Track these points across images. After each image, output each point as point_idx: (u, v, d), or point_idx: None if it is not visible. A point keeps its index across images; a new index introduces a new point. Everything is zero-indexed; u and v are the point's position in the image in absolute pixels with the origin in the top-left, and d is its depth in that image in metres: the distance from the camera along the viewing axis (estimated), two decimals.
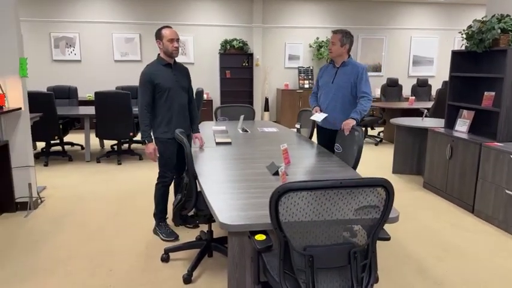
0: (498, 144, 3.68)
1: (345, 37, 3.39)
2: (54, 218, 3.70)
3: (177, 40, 3.10)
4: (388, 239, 1.75)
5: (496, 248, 3.21)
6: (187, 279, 2.62)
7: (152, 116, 3.14)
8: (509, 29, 3.79)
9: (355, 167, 2.86)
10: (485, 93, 4.08)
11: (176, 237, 3.24)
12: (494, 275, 2.80)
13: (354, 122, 3.20)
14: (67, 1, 8.42)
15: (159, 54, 3.16)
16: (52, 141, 5.94)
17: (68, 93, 6.88)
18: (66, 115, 5.82)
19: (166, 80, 3.10)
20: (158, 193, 3.28)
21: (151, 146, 3.11)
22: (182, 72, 3.27)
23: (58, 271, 2.77)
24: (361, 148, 2.94)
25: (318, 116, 3.46)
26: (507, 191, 3.45)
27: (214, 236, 2.97)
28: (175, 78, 3.16)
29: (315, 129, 3.80)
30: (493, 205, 3.64)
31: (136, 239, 3.27)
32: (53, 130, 5.50)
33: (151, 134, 3.17)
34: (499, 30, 3.77)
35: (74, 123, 6.28)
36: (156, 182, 3.28)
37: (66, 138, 6.46)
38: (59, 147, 6.27)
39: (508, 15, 3.89)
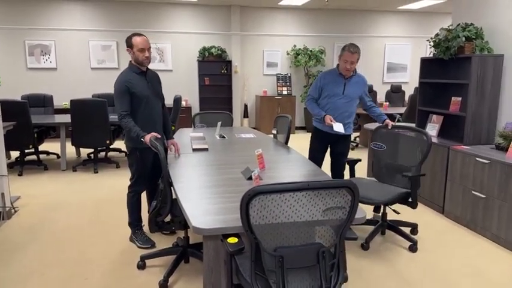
0: (465, 147, 3.84)
1: (359, 54, 3.54)
2: (28, 228, 3.65)
3: (149, 49, 3.04)
4: (356, 238, 1.83)
5: (465, 247, 3.34)
6: (163, 285, 2.63)
7: None
8: (473, 37, 3.98)
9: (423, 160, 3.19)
10: (453, 98, 4.25)
11: (152, 245, 3.24)
12: (463, 272, 2.92)
13: None
14: (42, 9, 8.32)
15: (130, 61, 3.12)
16: (27, 150, 5.83)
17: (43, 102, 6.77)
18: (41, 123, 5.73)
19: (142, 88, 3.07)
20: (131, 202, 3.26)
21: (149, 137, 2.87)
22: (155, 79, 3.26)
23: (32, 281, 2.73)
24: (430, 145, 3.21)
25: (340, 127, 3.52)
26: (474, 192, 3.60)
27: (191, 242, 2.99)
28: (149, 86, 3.15)
29: (312, 132, 3.90)
30: (461, 206, 3.79)
31: (112, 247, 3.26)
32: (28, 139, 5.41)
33: (129, 144, 3.13)
34: (464, 38, 3.96)
35: (50, 131, 6.18)
36: (128, 191, 3.26)
37: (41, 147, 6.35)
38: (34, 157, 6.15)
39: (472, 24, 4.08)
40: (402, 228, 3.43)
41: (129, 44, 3.04)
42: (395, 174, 3.46)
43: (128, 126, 2.98)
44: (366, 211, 3.69)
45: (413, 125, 5.16)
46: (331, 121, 3.50)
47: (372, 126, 5.49)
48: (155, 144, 2.57)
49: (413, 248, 3.24)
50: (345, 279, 1.77)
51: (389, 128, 3.55)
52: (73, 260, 3.04)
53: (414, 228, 3.58)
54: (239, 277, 1.82)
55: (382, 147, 3.54)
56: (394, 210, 3.67)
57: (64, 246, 3.28)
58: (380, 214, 3.49)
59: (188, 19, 9.03)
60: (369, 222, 3.49)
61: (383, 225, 3.45)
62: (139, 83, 3.07)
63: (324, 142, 3.78)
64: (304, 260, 1.68)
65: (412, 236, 3.39)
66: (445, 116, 4.41)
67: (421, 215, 4.05)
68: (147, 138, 2.87)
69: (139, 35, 3.05)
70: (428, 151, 3.20)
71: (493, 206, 3.41)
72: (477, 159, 3.55)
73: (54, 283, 2.71)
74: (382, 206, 3.52)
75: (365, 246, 3.18)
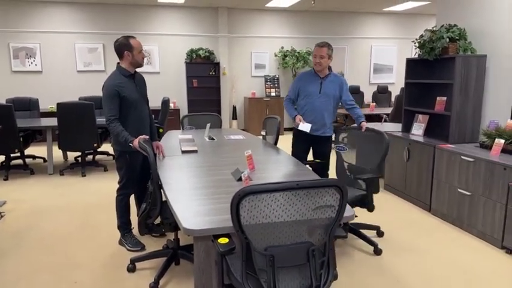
0: (450, 146, 3.91)
1: (330, 49, 3.59)
2: (15, 233, 3.59)
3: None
4: (345, 236, 1.86)
5: (452, 244, 3.40)
6: (154, 287, 2.62)
7: None
8: (457, 38, 4.07)
9: (382, 160, 3.08)
10: (438, 98, 4.33)
11: (142, 247, 3.22)
12: (450, 269, 2.97)
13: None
14: (27, 11, 8.21)
15: (118, 63, 3.10)
16: (12, 155, 5.74)
17: (28, 105, 6.68)
18: (27, 127, 5.66)
19: (131, 92, 3.07)
20: (120, 205, 3.24)
21: (137, 141, 2.85)
22: (142, 82, 3.26)
23: (21, 286, 2.70)
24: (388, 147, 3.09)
25: (307, 127, 3.56)
26: (459, 190, 3.68)
27: (181, 244, 2.99)
28: (138, 89, 3.15)
29: (293, 135, 3.91)
30: (447, 203, 3.86)
31: (102, 251, 3.23)
32: (13, 143, 5.33)
33: (117, 147, 3.11)
34: (448, 39, 4.04)
35: (36, 135, 6.10)
36: (116, 194, 3.24)
37: (27, 151, 6.25)
38: (20, 161, 6.06)
39: (455, 25, 4.17)
40: (364, 231, 3.37)
41: (129, 47, 3.01)
42: (355, 176, 3.35)
43: (116, 131, 2.96)
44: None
45: (399, 125, 5.24)
46: (299, 121, 3.57)
47: None
48: (144, 147, 2.57)
49: (377, 251, 3.17)
50: (335, 277, 1.80)
51: (363, 130, 3.46)
52: (62, 264, 3.01)
53: (378, 230, 3.53)
54: (230, 277, 1.83)
55: (344, 149, 3.46)
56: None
57: (52, 250, 3.25)
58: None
59: (175, 21, 9.01)
60: None
61: (345, 229, 3.26)
62: (129, 87, 3.07)
63: (305, 144, 3.80)
64: (294, 258, 1.70)
65: (373, 240, 3.25)
66: (431, 115, 4.49)
67: (408, 213, 4.11)
68: (136, 142, 2.87)
69: (133, 37, 3.07)
70: (386, 153, 3.06)
71: (478, 203, 3.48)
72: (462, 157, 3.62)
73: (43, 287, 2.68)
74: None
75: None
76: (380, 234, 3.51)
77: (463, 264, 3.03)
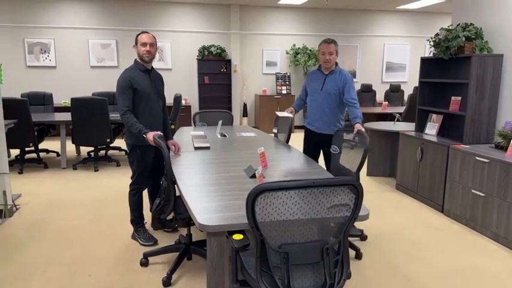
0: (464, 146, 3.87)
1: (337, 46, 3.57)
2: (30, 226, 3.66)
3: (151, 44, 3.09)
4: (359, 235, 1.85)
5: (464, 245, 3.37)
6: (167, 282, 2.65)
7: None
8: (473, 37, 4.01)
9: (360, 167, 2.84)
10: (452, 97, 4.28)
11: (155, 242, 3.26)
12: (463, 271, 2.95)
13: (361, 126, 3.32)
14: (41, 7, 8.31)
15: (136, 59, 3.17)
16: (27, 149, 5.83)
17: (43, 100, 6.77)
18: (41, 122, 5.73)
19: (145, 86, 3.11)
20: (133, 199, 3.27)
21: (151, 134, 2.86)
22: (158, 79, 3.31)
23: (36, 278, 2.75)
24: (367, 150, 2.88)
25: (282, 113, 3.68)
26: (473, 191, 3.64)
27: (193, 240, 3.01)
28: (152, 84, 3.19)
29: (304, 133, 3.91)
30: (460, 204, 3.82)
31: (115, 245, 3.27)
32: (28, 137, 5.41)
33: (129, 141, 3.15)
34: (464, 38, 3.98)
35: (50, 130, 6.19)
36: (129, 189, 3.28)
37: (41, 145, 6.36)
38: (34, 155, 6.15)
39: (471, 24, 4.11)
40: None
41: (135, 41, 3.12)
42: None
43: (130, 122, 2.99)
44: None
45: (412, 124, 5.19)
46: (285, 111, 3.67)
47: (373, 125, 5.52)
48: (159, 143, 2.58)
49: (358, 255, 3.07)
50: (349, 276, 1.79)
51: (354, 133, 3.19)
52: (75, 257, 3.06)
53: (361, 235, 3.31)
54: (244, 273, 1.84)
55: (337, 150, 3.33)
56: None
57: (66, 243, 3.30)
58: None
59: (188, 18, 9.04)
60: None
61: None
62: (143, 80, 3.11)
63: (312, 142, 3.79)
64: (308, 256, 1.70)
65: (354, 244, 3.14)
66: (445, 115, 4.44)
67: (421, 214, 4.08)
68: (150, 136, 2.88)
69: (145, 32, 3.14)
70: (365, 157, 2.84)
71: (492, 205, 3.44)
72: (477, 158, 3.58)
73: (58, 280, 2.72)
74: None
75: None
76: (363, 238, 3.30)
77: (476, 266, 3.00)
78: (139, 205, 3.31)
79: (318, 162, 3.71)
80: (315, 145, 3.79)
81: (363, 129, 3.20)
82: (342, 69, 3.65)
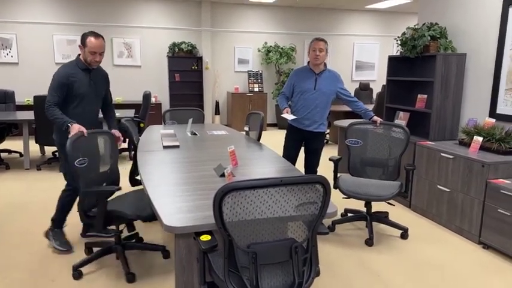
0: (430, 143, 3.97)
1: (327, 44, 3.59)
2: None
3: (101, 53, 2.95)
4: (327, 233, 1.85)
5: (430, 240, 3.46)
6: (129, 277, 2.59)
7: None
8: (438, 36, 4.12)
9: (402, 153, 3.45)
10: (419, 95, 4.39)
11: (69, 249, 3.08)
12: (427, 264, 3.02)
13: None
14: (2, 1, 7.93)
15: (79, 55, 3.00)
16: None
17: (4, 98, 6.46)
18: (2, 120, 5.48)
19: (82, 86, 2.96)
20: (64, 200, 3.09)
21: (77, 126, 2.74)
22: (100, 78, 3.15)
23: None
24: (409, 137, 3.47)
25: (290, 116, 3.59)
26: (439, 186, 3.74)
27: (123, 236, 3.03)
28: (91, 84, 3.04)
29: (286, 129, 3.90)
30: (427, 200, 3.92)
31: (81, 246, 3.16)
32: None
33: (57, 138, 2.97)
34: (429, 38, 4.09)
35: (11, 129, 5.92)
36: (63, 189, 3.10)
37: (2, 145, 6.07)
38: None
39: (436, 24, 4.22)
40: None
41: (83, 42, 2.92)
42: (371, 168, 3.65)
43: (54, 114, 2.81)
44: (359, 206, 3.78)
45: None
46: (286, 112, 3.59)
47: (342, 123, 5.59)
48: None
49: (405, 235, 3.46)
50: (318, 274, 1.80)
51: (378, 125, 3.60)
52: (38, 261, 2.93)
53: (386, 216, 3.73)
54: (212, 275, 1.81)
55: (358, 143, 3.61)
56: (389, 203, 3.71)
57: (28, 247, 3.15)
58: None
59: (157, 14, 8.87)
60: (359, 217, 3.59)
61: (373, 219, 3.52)
62: (81, 80, 2.95)
63: (298, 139, 3.80)
64: (277, 255, 1.69)
65: (402, 224, 3.54)
66: (412, 112, 4.54)
67: (389, 209, 4.16)
68: (76, 127, 2.72)
69: (96, 36, 2.92)
70: (407, 143, 3.48)
71: (456, 200, 3.55)
72: (442, 154, 3.68)
73: (18, 286, 2.60)
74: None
75: (369, 242, 3.29)
76: (405, 236, 3.51)
77: (441, 260, 3.09)
78: (68, 207, 3.11)
79: (297, 159, 3.75)
80: (299, 142, 3.81)
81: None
82: (330, 69, 3.71)
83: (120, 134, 3.16)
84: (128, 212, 2.60)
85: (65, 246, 3.08)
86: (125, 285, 2.63)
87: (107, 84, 3.25)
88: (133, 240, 3.16)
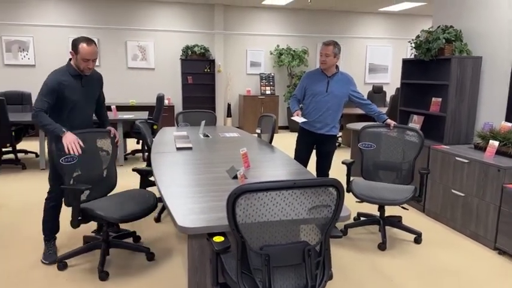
0: (445, 146, 3.92)
1: (336, 48, 3.55)
2: (6, 227, 3.54)
3: (94, 60, 2.86)
4: (340, 236, 1.85)
5: (444, 245, 3.41)
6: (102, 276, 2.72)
7: None
8: (453, 39, 4.07)
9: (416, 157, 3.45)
10: (433, 99, 4.34)
11: (52, 261, 2.93)
12: (442, 270, 2.98)
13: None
14: (20, 3, 8.10)
15: (70, 60, 2.89)
16: (4, 149, 5.67)
17: (21, 99, 6.60)
18: (19, 121, 5.58)
19: (73, 93, 2.85)
20: (47, 209, 2.98)
21: (71, 135, 2.71)
22: (92, 82, 3.04)
23: (18, 279, 2.66)
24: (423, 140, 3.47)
25: (300, 119, 3.57)
26: (453, 191, 3.69)
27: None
28: (83, 91, 2.94)
29: (298, 132, 3.89)
30: (441, 204, 3.87)
31: None
32: (5, 137, 5.26)
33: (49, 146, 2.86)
34: (444, 40, 4.04)
35: (28, 130, 6.03)
36: (46, 196, 3.00)
37: (19, 146, 6.18)
38: (11, 155, 5.98)
39: (451, 26, 4.18)
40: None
41: (75, 49, 2.79)
42: (385, 171, 3.64)
43: (44, 121, 2.72)
44: (372, 210, 3.76)
45: None
46: (297, 115, 3.58)
47: (355, 126, 5.56)
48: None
49: (418, 240, 3.43)
50: (330, 277, 1.79)
51: (391, 128, 3.59)
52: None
53: (400, 220, 3.72)
54: (225, 276, 1.81)
55: (371, 146, 3.60)
56: (403, 207, 3.69)
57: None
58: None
59: (171, 17, 8.95)
60: (372, 221, 3.57)
61: (386, 223, 3.50)
62: (73, 87, 2.86)
63: (309, 142, 3.78)
64: (290, 258, 1.69)
65: (415, 229, 3.52)
66: (426, 116, 4.50)
67: (402, 213, 4.12)
68: (69, 136, 2.69)
69: (88, 42, 2.80)
70: (422, 147, 3.47)
71: (471, 204, 3.50)
72: (457, 158, 3.63)
73: (38, 283, 2.64)
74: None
75: (382, 246, 3.26)
76: (418, 241, 3.47)
77: (455, 265, 3.05)
78: (53, 215, 3.01)
79: (308, 162, 3.74)
80: (311, 145, 3.79)
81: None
82: (343, 71, 3.68)
83: (115, 131, 3.13)
84: (101, 213, 2.61)
85: (48, 258, 2.95)
86: (98, 283, 2.70)
87: (100, 87, 3.17)
88: (126, 240, 3.22)
